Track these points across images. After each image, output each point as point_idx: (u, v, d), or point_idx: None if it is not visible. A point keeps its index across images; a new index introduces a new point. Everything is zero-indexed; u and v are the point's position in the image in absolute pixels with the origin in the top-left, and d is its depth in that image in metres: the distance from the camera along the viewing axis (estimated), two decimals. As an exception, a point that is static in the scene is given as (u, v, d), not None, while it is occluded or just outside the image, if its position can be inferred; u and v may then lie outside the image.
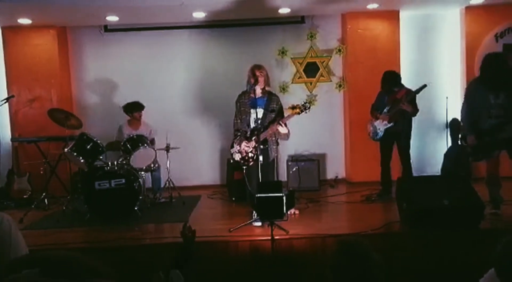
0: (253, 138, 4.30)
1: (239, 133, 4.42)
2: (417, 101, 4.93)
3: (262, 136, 4.21)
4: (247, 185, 4.39)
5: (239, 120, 4.44)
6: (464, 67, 6.19)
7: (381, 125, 5.01)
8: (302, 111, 4.22)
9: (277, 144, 4.48)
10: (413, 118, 5.00)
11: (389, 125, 4.95)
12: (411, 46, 6.32)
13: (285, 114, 4.37)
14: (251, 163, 4.31)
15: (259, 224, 4.08)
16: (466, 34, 6.15)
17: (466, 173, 5.75)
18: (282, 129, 4.23)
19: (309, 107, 4.24)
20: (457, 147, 6.15)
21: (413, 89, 4.89)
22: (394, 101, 4.92)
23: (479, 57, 6.02)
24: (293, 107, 4.25)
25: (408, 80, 5.77)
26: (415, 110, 4.89)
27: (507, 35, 6.12)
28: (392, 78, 5.04)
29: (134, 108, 5.47)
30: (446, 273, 3.42)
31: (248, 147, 4.33)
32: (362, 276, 1.60)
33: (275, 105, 4.39)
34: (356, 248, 1.66)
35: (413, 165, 5.10)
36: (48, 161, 5.42)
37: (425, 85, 4.82)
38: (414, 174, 5.19)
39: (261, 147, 4.18)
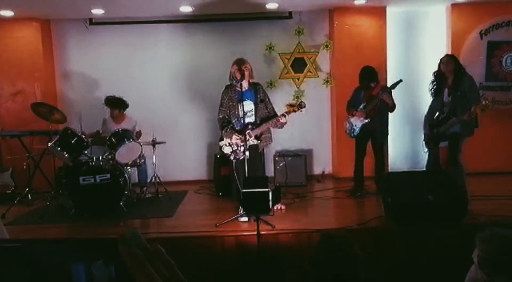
0: (247, 132, 4.31)
1: (230, 126, 4.42)
2: (402, 97, 4.96)
3: (258, 131, 4.37)
4: (235, 179, 4.38)
5: (224, 115, 4.47)
6: (449, 64, 6.24)
7: (357, 122, 5.00)
8: (299, 109, 4.42)
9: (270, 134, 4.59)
10: (399, 114, 5.03)
11: (365, 121, 4.94)
12: (397, 43, 6.35)
13: (285, 110, 4.56)
14: (241, 157, 4.31)
15: (245, 219, 4.08)
16: (451, 31, 6.21)
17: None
18: (283, 119, 4.39)
19: (305, 106, 4.46)
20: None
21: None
22: (370, 98, 4.93)
23: (464, 54, 6.12)
24: (291, 105, 4.47)
25: (394, 76, 5.81)
26: (393, 105, 4.89)
27: (492, 32, 6.20)
28: (369, 73, 5.04)
29: (113, 105, 5.33)
30: (430, 267, 3.47)
31: (239, 140, 4.32)
32: (343, 270, 1.61)
33: (262, 95, 4.49)
34: (337, 242, 1.67)
35: (399, 160, 5.14)
36: (31, 156, 5.31)
37: (400, 80, 4.87)
38: (400, 170, 5.24)
39: (255, 141, 4.37)
